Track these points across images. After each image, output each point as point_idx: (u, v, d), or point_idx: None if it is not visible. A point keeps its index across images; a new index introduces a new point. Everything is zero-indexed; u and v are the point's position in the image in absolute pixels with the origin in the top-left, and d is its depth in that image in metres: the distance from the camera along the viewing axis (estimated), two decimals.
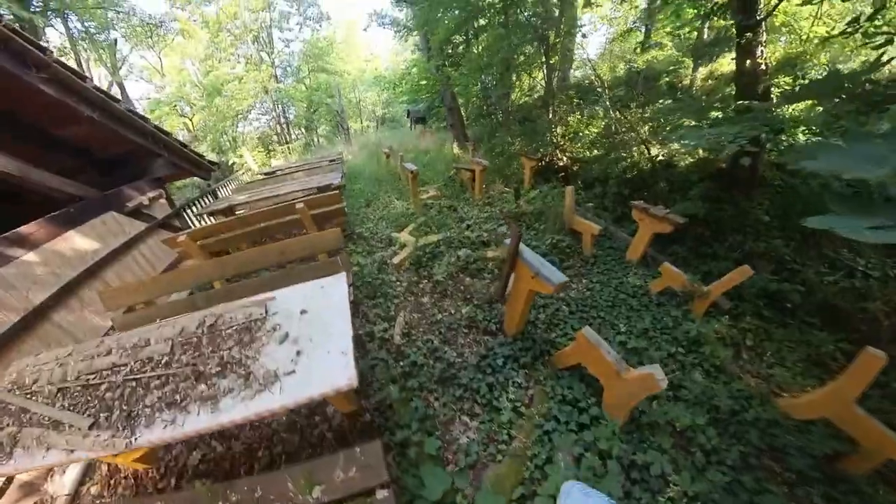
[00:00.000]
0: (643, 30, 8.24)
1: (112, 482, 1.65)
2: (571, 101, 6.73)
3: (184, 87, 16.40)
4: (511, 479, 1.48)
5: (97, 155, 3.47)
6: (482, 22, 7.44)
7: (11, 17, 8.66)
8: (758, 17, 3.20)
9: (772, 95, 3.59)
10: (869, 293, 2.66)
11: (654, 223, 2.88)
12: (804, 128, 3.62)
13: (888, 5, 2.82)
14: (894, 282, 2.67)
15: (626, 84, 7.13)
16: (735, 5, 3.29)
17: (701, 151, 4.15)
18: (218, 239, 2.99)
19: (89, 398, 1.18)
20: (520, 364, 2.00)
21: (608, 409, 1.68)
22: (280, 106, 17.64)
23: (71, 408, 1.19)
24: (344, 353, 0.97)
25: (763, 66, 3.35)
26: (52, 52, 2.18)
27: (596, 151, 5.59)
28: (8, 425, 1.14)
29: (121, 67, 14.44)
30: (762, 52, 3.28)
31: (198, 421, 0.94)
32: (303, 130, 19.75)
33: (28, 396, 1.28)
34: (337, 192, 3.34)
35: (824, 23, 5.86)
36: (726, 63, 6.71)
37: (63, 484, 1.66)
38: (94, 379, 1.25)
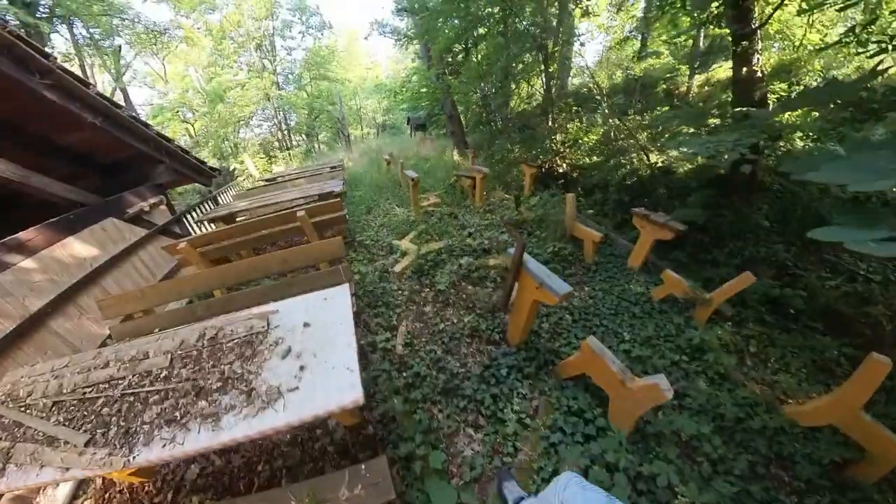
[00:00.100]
0: (639, 38, 8.39)
1: (107, 496, 1.61)
2: (570, 108, 6.81)
3: (186, 94, 16.56)
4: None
5: (99, 161, 3.48)
6: (482, 31, 7.58)
7: (18, 22, 8.76)
8: (753, 26, 3.26)
9: (768, 101, 3.65)
10: (871, 297, 2.66)
11: (655, 230, 2.88)
12: (801, 133, 3.67)
13: (879, 12, 2.88)
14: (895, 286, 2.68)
15: (624, 91, 7.23)
16: (731, 15, 3.36)
17: (700, 158, 4.19)
18: (218, 246, 2.97)
19: (85, 413, 1.15)
20: (524, 374, 1.98)
21: (614, 420, 1.66)
22: (281, 112, 17.81)
23: (66, 423, 1.16)
24: (349, 368, 0.95)
25: (759, 74, 3.40)
26: (55, 58, 2.19)
27: (595, 158, 5.63)
28: (1, 440, 1.12)
29: (124, 73, 14.58)
30: (758, 59, 3.34)
31: (198, 439, 0.91)
32: (304, 137, 19.91)
33: (22, 409, 1.25)
34: (338, 199, 3.35)
35: (817, 30, 5.98)
36: (722, 70, 6.83)
37: (56, 498, 1.61)
38: (90, 392, 1.22)
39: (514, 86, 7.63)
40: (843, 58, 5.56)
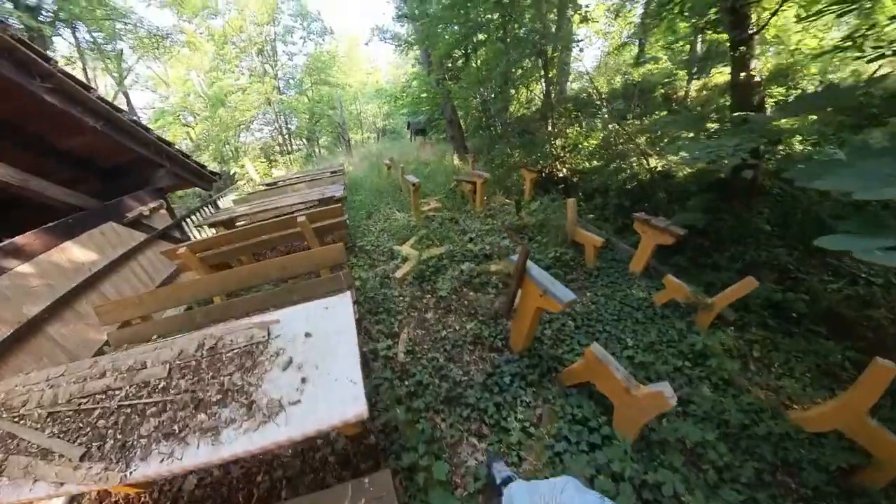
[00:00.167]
0: (637, 43, 8.48)
1: None
2: (570, 113, 6.84)
3: (188, 98, 16.66)
4: None
5: (99, 165, 3.47)
6: (481, 37, 7.64)
7: (21, 26, 8.81)
8: (750, 32, 3.29)
9: (766, 105, 3.67)
10: (873, 300, 2.66)
11: (656, 235, 2.88)
12: (800, 137, 3.69)
13: (872, 18, 2.91)
14: None
15: (623, 96, 7.28)
16: (728, 20, 3.39)
17: (700, 163, 4.21)
18: (218, 251, 2.96)
19: (81, 425, 1.13)
20: (527, 382, 1.96)
21: (618, 427, 1.64)
22: (282, 117, 17.89)
23: (61, 435, 1.13)
24: (353, 381, 0.93)
25: (757, 78, 3.43)
26: (56, 61, 2.19)
27: (595, 163, 5.65)
28: None
29: (126, 77, 14.66)
30: (756, 64, 3.37)
31: (197, 454, 0.89)
32: (304, 141, 19.98)
33: (16, 420, 1.22)
34: (339, 205, 3.34)
35: (813, 35, 6.05)
36: (719, 75, 6.89)
37: None
38: (86, 403, 1.20)
39: (513, 91, 7.68)
40: (839, 62, 5.62)
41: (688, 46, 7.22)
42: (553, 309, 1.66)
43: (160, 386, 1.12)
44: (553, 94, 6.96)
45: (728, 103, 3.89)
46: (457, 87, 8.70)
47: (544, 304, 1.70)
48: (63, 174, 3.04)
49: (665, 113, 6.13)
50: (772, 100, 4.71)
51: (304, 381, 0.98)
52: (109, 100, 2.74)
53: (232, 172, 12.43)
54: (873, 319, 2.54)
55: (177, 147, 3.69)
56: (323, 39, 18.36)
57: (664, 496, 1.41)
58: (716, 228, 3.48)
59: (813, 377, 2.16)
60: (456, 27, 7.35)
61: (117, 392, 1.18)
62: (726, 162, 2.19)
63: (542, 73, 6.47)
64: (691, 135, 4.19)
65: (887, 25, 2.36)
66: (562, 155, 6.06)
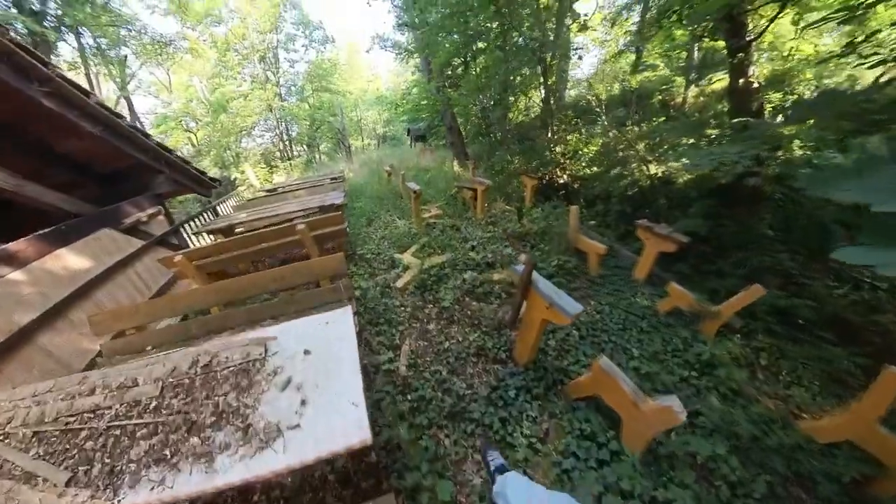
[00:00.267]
0: (634, 51, 8.58)
1: None
2: (570, 120, 6.89)
3: (190, 104, 16.78)
4: None
5: (98, 170, 3.44)
6: (481, 45, 7.73)
7: (26, 31, 8.85)
8: (747, 39, 3.32)
9: (764, 111, 3.69)
10: (879, 305, 2.63)
11: (659, 242, 2.85)
12: (799, 142, 3.69)
13: (866, 25, 2.94)
14: None
15: (621, 103, 7.34)
16: (725, 28, 3.42)
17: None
18: (216, 259, 2.91)
19: (68, 446, 1.07)
20: (532, 395, 1.90)
21: (626, 442, 1.58)
22: (283, 123, 18.01)
23: (47, 457, 1.07)
24: (355, 404, 0.88)
25: (755, 84, 3.45)
26: (55, 66, 2.18)
27: (596, 169, 5.66)
28: None
29: (129, 83, 14.77)
30: (753, 70, 3.39)
31: (190, 481, 0.83)
32: (305, 147, 20.09)
33: (0, 439, 1.16)
34: (339, 212, 3.31)
35: (808, 42, 6.14)
36: (718, 81, 6.96)
37: None
38: (74, 423, 1.14)
39: (512, 98, 7.74)
40: (834, 67, 5.68)
41: (685, 54, 7.31)
42: (560, 322, 1.62)
43: (152, 406, 1.07)
44: (552, 101, 7.01)
45: (726, 109, 3.91)
46: (457, 95, 8.77)
47: (550, 316, 1.66)
48: (61, 179, 3.00)
49: (663, 119, 6.17)
50: (769, 105, 4.74)
51: (303, 403, 0.93)
52: (112, 105, 2.73)
53: (233, 178, 12.45)
54: (880, 325, 2.50)
55: (176, 153, 3.67)
56: (324, 47, 18.62)
57: None
58: (718, 234, 3.45)
59: (822, 384, 2.11)
60: (456, 36, 7.43)
61: (107, 411, 1.12)
62: (730, 170, 2.18)
63: (542, 80, 6.53)
64: (691, 141, 4.20)
65: (880, 31, 2.38)
66: (562, 161, 6.07)
